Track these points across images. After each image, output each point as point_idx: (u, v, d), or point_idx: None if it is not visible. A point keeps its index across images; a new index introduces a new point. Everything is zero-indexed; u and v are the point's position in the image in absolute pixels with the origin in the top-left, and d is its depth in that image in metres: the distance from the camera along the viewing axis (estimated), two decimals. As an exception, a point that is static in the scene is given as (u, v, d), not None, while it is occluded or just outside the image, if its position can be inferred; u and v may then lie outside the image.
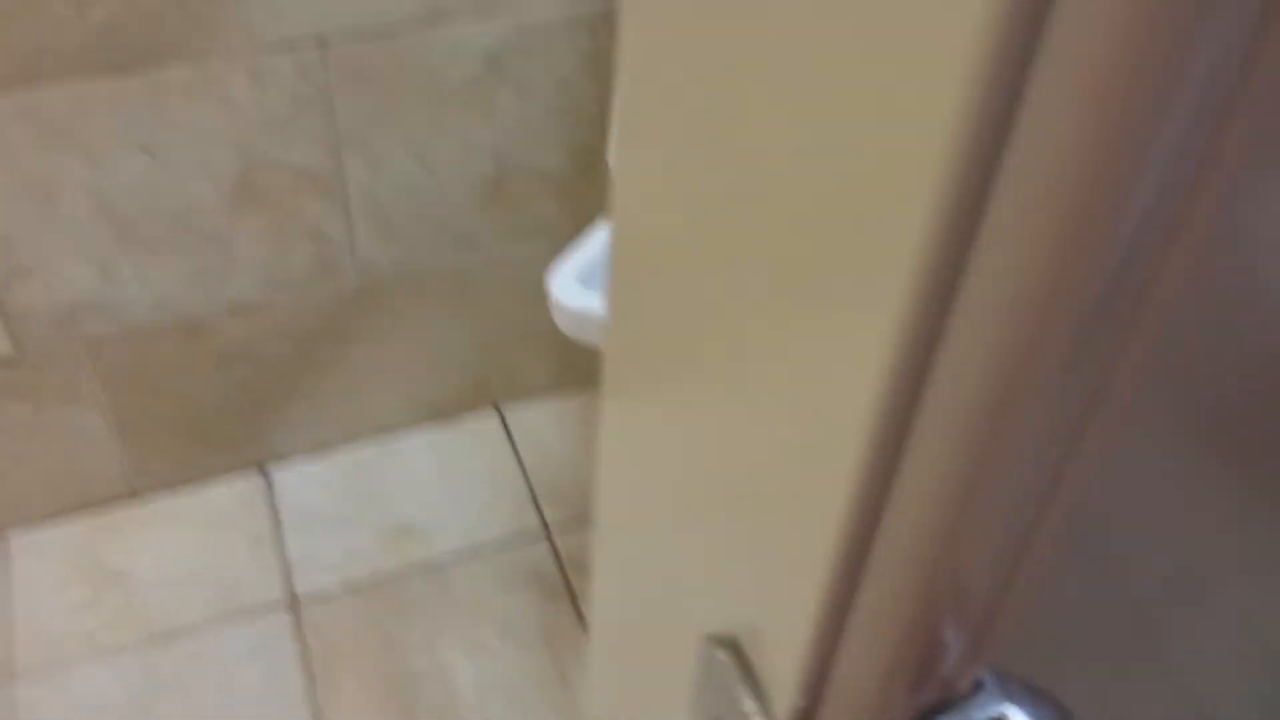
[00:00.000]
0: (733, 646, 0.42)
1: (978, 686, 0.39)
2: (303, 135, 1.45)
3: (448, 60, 1.46)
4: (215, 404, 1.65)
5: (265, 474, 1.74)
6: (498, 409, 1.85)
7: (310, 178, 1.49)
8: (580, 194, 1.66)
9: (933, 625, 0.36)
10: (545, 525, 1.72)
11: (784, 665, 0.39)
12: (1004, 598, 0.36)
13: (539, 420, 1.85)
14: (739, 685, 0.41)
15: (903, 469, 0.32)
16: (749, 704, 0.41)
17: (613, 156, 1.33)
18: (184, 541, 1.66)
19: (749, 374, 0.39)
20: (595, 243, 1.09)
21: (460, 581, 1.64)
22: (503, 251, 1.67)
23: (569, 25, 1.50)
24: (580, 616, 1.62)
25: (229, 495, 1.71)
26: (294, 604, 1.61)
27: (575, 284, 1.04)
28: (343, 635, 1.58)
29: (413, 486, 1.74)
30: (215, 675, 1.53)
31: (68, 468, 1.64)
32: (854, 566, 0.34)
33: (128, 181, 1.40)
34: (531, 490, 1.76)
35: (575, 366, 1.88)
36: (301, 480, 1.74)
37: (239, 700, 1.51)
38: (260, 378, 1.65)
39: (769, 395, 0.38)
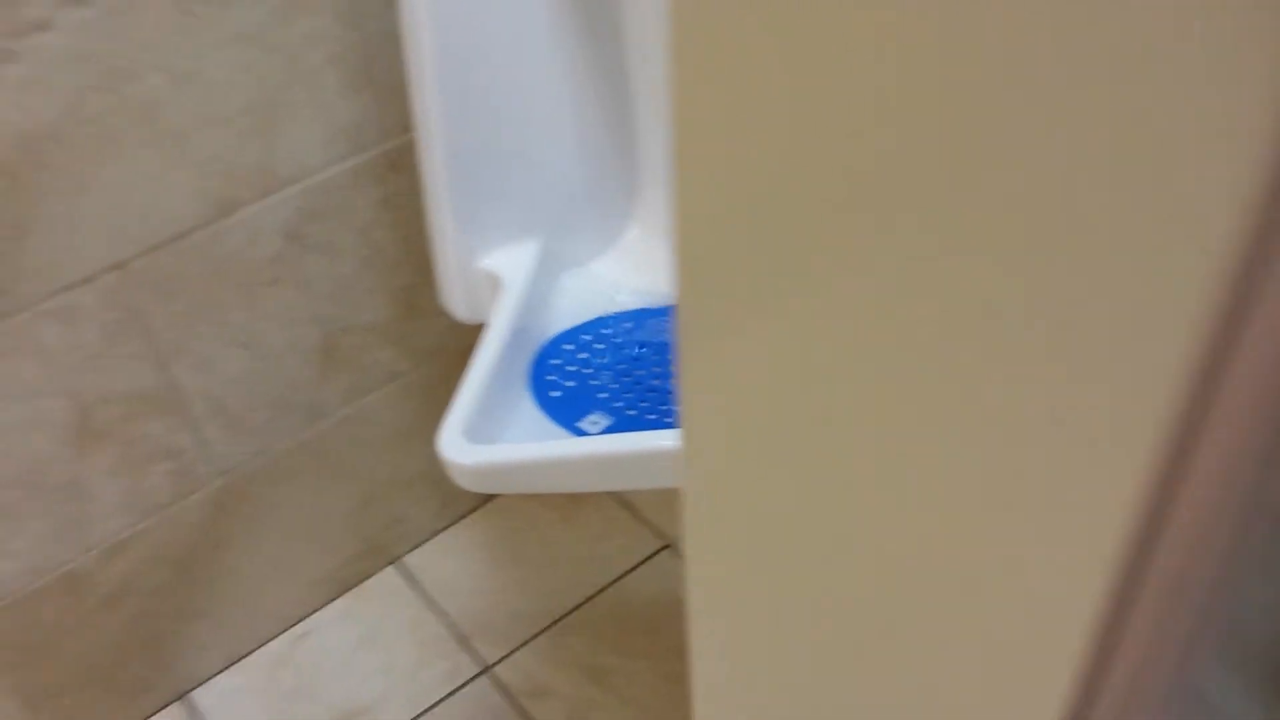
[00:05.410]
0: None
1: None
2: (125, 360, 1.43)
3: (247, 245, 1.46)
4: (114, 649, 1.59)
5: (188, 702, 1.68)
6: (395, 563, 1.83)
7: (145, 399, 1.46)
8: (410, 332, 1.67)
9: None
10: (482, 662, 1.70)
11: None
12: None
13: (437, 560, 1.83)
14: None
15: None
16: None
17: (447, 298, 1.33)
18: (123, 799, 1.59)
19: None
20: (469, 394, 1.11)
21: (415, 745, 1.61)
22: (351, 409, 1.67)
23: (355, 177, 1.51)
24: (542, 738, 1.60)
25: (156, 737, 1.65)
26: (257, 824, 1.55)
27: (464, 441, 1.06)
28: (315, 838, 1.53)
29: (339, 668, 1.71)
30: None
31: (-20, 765, 1.56)
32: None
33: (-38, 460, 1.36)
34: (456, 632, 1.74)
35: (454, 496, 1.87)
36: (226, 697, 1.69)
37: None
38: (151, 609, 1.60)
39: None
